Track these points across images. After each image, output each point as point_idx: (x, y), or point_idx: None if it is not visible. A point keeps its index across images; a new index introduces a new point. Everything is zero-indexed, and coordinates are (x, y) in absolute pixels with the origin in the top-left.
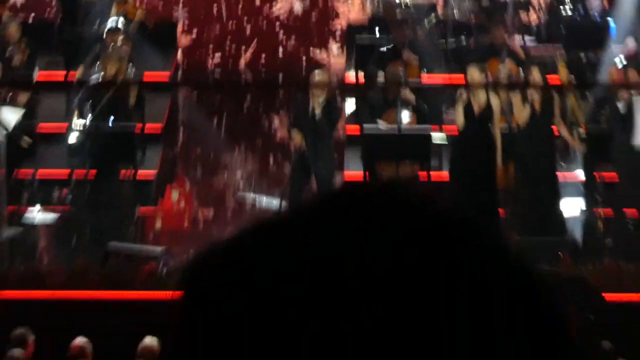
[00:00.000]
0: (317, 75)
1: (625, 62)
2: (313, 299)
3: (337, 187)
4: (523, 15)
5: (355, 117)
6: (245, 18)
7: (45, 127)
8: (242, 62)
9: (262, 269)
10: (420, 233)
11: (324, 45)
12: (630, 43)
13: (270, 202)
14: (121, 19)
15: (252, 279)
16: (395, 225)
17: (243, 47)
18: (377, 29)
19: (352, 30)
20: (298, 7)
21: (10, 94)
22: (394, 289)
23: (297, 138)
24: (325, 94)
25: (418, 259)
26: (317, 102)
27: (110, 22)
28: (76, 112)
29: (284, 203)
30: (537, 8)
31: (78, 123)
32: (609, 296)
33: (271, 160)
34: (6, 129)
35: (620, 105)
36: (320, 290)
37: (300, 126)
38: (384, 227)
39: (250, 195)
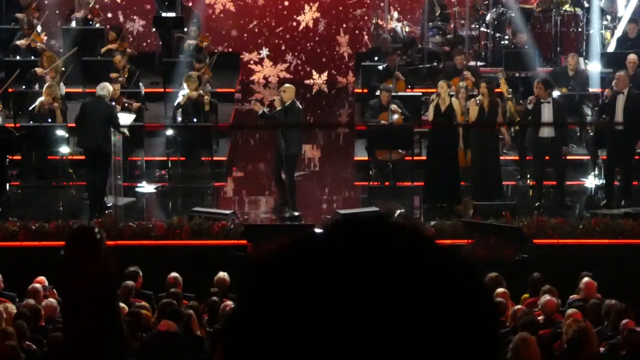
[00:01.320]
0: (286, 85)
1: (541, 77)
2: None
3: (345, 220)
4: (476, 46)
5: (361, 117)
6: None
7: (149, 126)
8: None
9: (297, 282)
10: (405, 251)
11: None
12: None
13: None
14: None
15: (292, 285)
16: (384, 248)
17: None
18: (376, 56)
19: (359, 57)
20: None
21: (127, 103)
22: (390, 290)
23: (256, 106)
24: (290, 99)
25: (406, 270)
26: (277, 102)
27: (198, 54)
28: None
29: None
30: (485, 40)
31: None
32: (537, 241)
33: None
34: (123, 129)
35: (530, 107)
36: (338, 293)
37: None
38: (378, 250)
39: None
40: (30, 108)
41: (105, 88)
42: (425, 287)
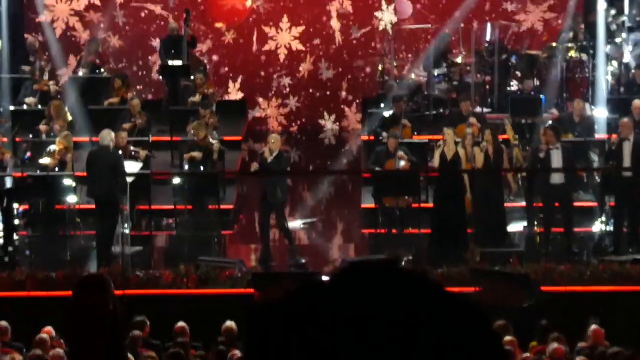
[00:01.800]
0: (273, 135)
1: (551, 124)
2: (342, 343)
3: (353, 265)
4: (482, 92)
5: (367, 164)
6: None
7: (157, 173)
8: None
9: (306, 324)
10: (411, 297)
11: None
12: (554, 112)
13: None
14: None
15: (299, 330)
16: (394, 293)
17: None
18: (382, 103)
19: (365, 103)
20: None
21: (134, 152)
22: (398, 335)
23: (254, 165)
24: (277, 148)
25: (411, 314)
26: (268, 152)
27: (203, 101)
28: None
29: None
30: (491, 87)
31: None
32: (544, 288)
33: None
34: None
35: (542, 155)
36: (347, 339)
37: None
38: (387, 295)
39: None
40: (42, 161)
41: (108, 136)
42: (434, 333)
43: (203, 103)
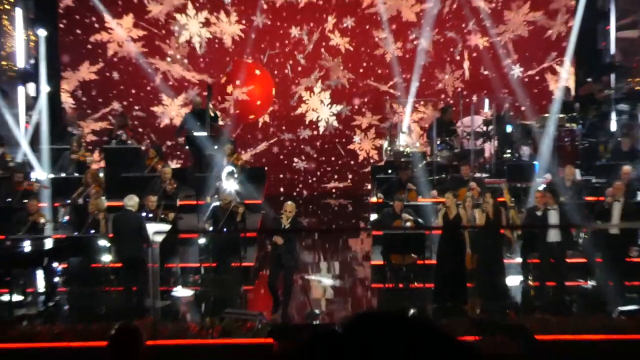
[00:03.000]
0: (288, 203)
1: (544, 187)
2: None
3: (363, 314)
4: (481, 159)
5: (377, 224)
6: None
7: (183, 234)
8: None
9: None
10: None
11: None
12: (548, 176)
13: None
14: (231, 166)
15: None
16: (401, 338)
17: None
18: (389, 169)
19: (374, 169)
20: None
21: (163, 214)
22: None
23: (278, 240)
24: (292, 214)
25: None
26: (285, 219)
27: (227, 168)
28: (205, 225)
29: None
30: (488, 153)
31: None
32: (540, 337)
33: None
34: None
35: (539, 213)
36: None
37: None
38: (396, 340)
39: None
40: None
41: (132, 199)
42: None
43: (229, 172)
